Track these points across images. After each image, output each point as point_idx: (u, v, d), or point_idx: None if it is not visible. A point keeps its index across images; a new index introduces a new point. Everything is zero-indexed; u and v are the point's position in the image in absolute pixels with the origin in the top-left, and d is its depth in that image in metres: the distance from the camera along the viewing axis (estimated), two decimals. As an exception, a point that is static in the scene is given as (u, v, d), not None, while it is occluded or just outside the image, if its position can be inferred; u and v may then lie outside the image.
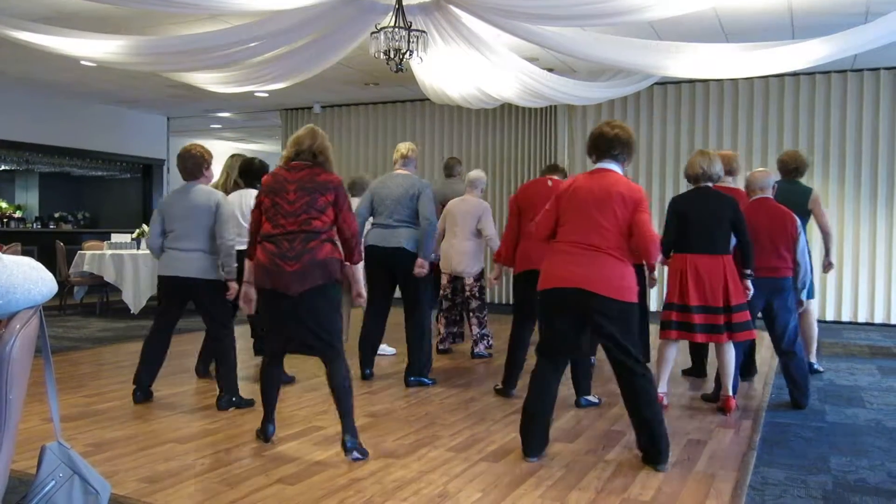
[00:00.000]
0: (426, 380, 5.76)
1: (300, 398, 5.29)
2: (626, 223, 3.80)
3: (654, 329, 5.51)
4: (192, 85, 8.35)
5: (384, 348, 6.73)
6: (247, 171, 6.03)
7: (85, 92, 11.82)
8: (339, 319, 4.15)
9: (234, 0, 5.59)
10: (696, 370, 6.18)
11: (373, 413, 4.89)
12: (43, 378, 2.22)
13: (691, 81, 10.18)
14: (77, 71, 9.89)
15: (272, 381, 4.23)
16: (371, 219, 5.87)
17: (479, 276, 6.77)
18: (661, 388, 4.99)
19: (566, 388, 5.63)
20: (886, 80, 9.38)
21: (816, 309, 9.69)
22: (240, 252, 5.08)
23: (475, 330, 6.85)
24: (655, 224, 5.71)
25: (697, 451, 4.13)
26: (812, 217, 6.19)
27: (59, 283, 1.97)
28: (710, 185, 4.97)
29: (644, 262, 6.02)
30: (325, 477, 3.63)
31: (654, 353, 5.64)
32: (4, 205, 13.08)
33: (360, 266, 4.28)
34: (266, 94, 11.35)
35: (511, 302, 6.17)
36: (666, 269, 5.12)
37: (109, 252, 9.33)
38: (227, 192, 5.90)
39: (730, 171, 5.70)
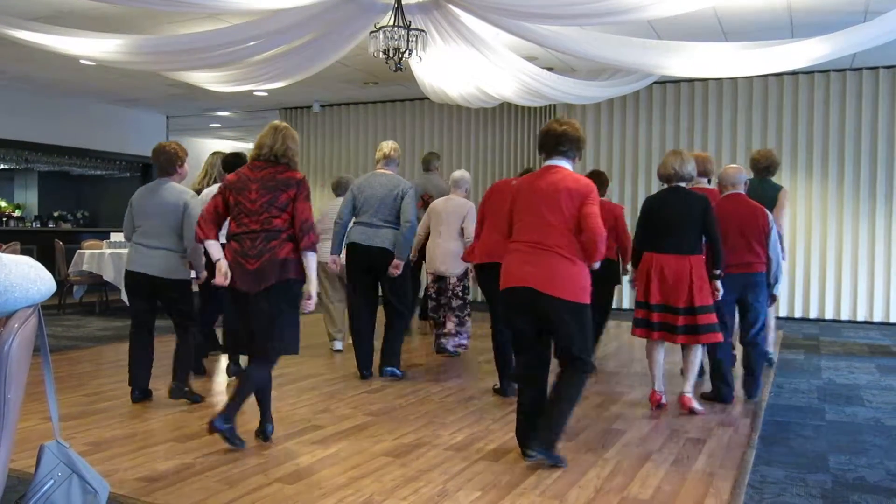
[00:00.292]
0: (398, 371, 5.92)
1: (299, 397, 5.29)
2: (575, 219, 3.76)
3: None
4: (192, 84, 8.35)
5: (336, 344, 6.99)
6: (233, 165, 5.92)
7: (84, 91, 11.81)
8: (292, 319, 4.14)
9: (234, -1, 5.60)
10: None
11: (372, 412, 4.89)
12: (41, 377, 2.22)
13: (690, 80, 10.18)
14: (76, 70, 9.89)
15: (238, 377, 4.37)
16: (353, 217, 5.91)
17: (463, 276, 6.72)
18: (658, 387, 5.01)
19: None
20: (885, 78, 9.38)
21: (816, 307, 9.78)
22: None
23: (450, 325, 6.87)
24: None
25: (696, 449, 4.13)
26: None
27: (58, 282, 1.97)
28: (683, 184, 4.95)
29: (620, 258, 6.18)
30: (324, 476, 3.63)
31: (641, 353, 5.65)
32: (4, 204, 13.09)
33: (314, 266, 4.18)
34: (265, 93, 11.34)
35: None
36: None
37: (108, 251, 9.33)
38: (204, 189, 6.02)
39: (704, 172, 5.74)
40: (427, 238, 6.83)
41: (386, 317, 5.97)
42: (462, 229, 6.57)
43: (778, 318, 9.70)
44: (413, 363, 6.55)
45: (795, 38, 7.24)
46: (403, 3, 5.96)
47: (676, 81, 10.24)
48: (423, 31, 6.10)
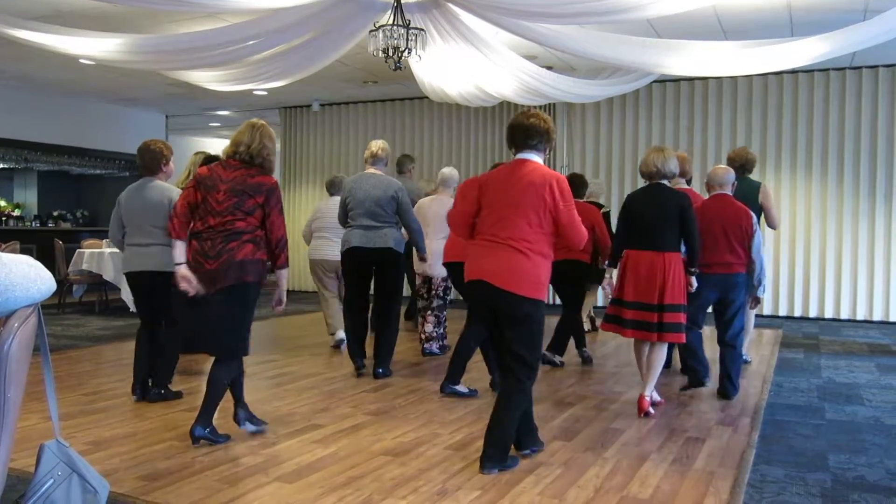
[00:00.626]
0: (389, 372, 5.94)
1: (299, 396, 5.29)
2: (542, 213, 3.68)
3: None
4: (191, 83, 8.34)
5: (338, 334, 7.02)
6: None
7: (84, 90, 11.80)
8: (247, 320, 4.14)
9: (233, -2, 5.60)
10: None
11: (372, 411, 4.89)
12: (41, 376, 2.22)
13: (690, 79, 10.17)
14: (76, 69, 9.88)
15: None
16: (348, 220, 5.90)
17: (448, 277, 6.71)
18: (647, 391, 4.90)
19: (566, 387, 5.65)
20: (885, 77, 9.38)
21: (816, 306, 9.79)
22: None
23: (428, 328, 6.90)
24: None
25: (696, 448, 4.13)
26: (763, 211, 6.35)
27: (57, 281, 1.97)
28: (664, 182, 4.94)
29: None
30: (323, 475, 3.63)
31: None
32: (3, 203, 13.08)
33: (285, 280, 4.24)
34: (265, 92, 11.34)
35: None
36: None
37: (108, 250, 9.32)
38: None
39: (682, 173, 5.75)
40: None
41: (378, 318, 5.95)
42: None
43: (777, 317, 9.73)
44: (412, 362, 6.55)
45: (795, 36, 7.24)
46: (403, 1, 5.96)
47: (676, 80, 10.24)
48: (422, 29, 6.10)
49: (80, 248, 9.85)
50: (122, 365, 6.24)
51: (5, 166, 13.03)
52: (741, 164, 6.39)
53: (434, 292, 6.76)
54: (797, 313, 9.83)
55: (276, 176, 15.22)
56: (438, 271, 6.55)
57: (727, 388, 5.29)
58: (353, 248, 5.80)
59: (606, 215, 7.62)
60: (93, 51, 6.65)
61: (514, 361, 3.73)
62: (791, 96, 9.83)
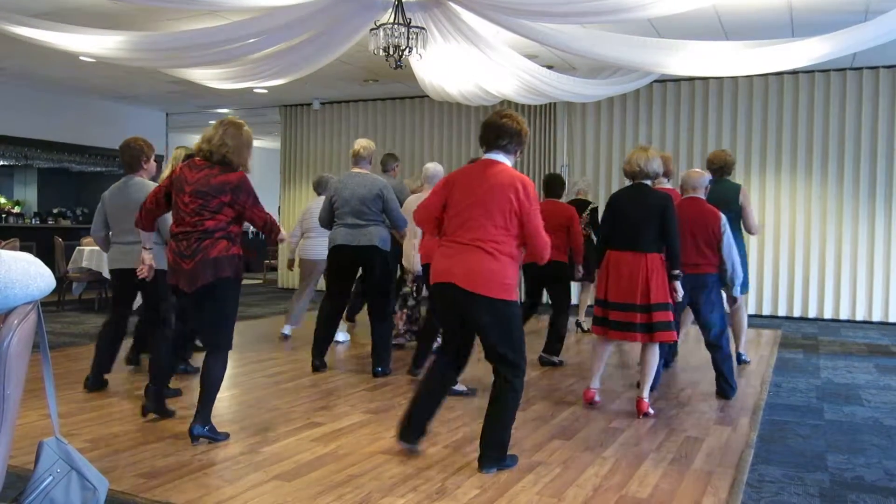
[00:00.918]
0: (389, 371, 5.96)
1: (298, 395, 5.29)
2: (509, 215, 3.64)
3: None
4: (192, 81, 8.34)
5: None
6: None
7: (84, 88, 11.80)
8: (231, 315, 4.21)
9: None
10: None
11: (371, 410, 4.89)
12: (41, 374, 2.22)
13: (691, 79, 10.17)
14: (76, 67, 9.88)
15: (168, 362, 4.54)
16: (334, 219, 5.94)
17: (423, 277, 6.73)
18: (594, 385, 5.02)
19: (565, 386, 5.65)
20: (885, 78, 9.38)
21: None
22: None
23: (400, 325, 6.98)
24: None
25: (695, 448, 4.14)
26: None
27: (57, 278, 1.97)
28: (647, 182, 4.94)
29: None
30: (322, 473, 3.63)
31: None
32: (3, 200, 13.08)
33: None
34: (265, 91, 11.34)
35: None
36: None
37: (108, 248, 9.31)
38: None
39: (666, 173, 5.79)
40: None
41: (371, 316, 5.97)
42: None
43: (776, 317, 9.73)
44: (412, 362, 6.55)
45: (796, 37, 7.24)
46: (403, 0, 5.96)
47: (677, 80, 10.24)
48: (423, 28, 6.10)
49: (79, 245, 9.85)
50: (121, 363, 6.23)
51: (5, 163, 13.04)
52: (720, 167, 6.43)
53: (416, 290, 6.82)
54: (796, 314, 9.83)
55: (276, 175, 15.15)
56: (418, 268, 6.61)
57: (724, 389, 5.32)
58: (337, 245, 5.84)
59: (594, 211, 7.71)
60: (93, 48, 6.65)
61: (498, 363, 3.72)
62: (791, 97, 9.83)
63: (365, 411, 4.84)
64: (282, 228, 4.39)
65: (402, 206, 6.26)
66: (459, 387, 5.30)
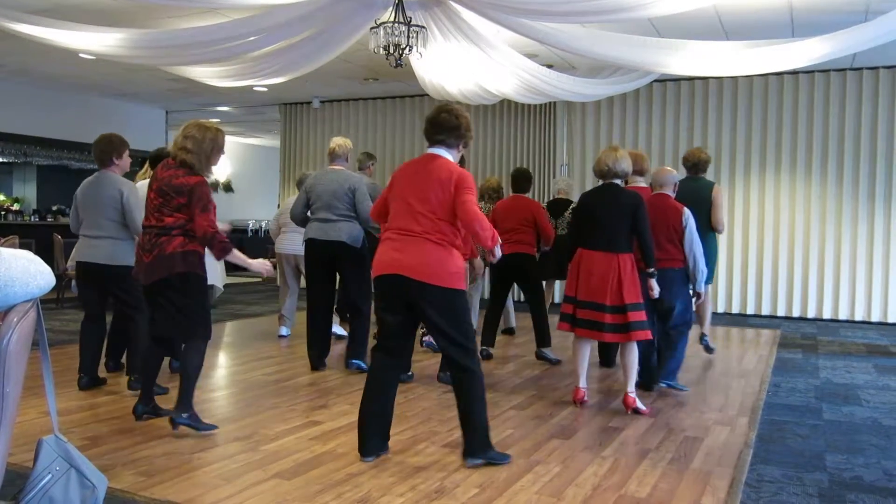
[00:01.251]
0: (363, 364, 5.90)
1: (297, 393, 5.29)
2: (448, 207, 3.67)
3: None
4: (192, 79, 8.33)
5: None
6: (155, 160, 5.91)
7: (83, 85, 11.79)
8: (193, 307, 4.24)
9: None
10: (604, 361, 6.40)
11: (370, 408, 4.88)
12: (40, 371, 2.22)
13: (691, 79, 10.17)
14: (76, 64, 9.87)
15: (151, 359, 4.50)
16: (309, 214, 6.02)
17: None
18: (581, 384, 5.04)
19: (564, 386, 5.65)
20: (885, 79, 9.38)
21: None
22: None
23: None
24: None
25: (694, 448, 4.14)
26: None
27: (56, 276, 1.96)
28: (617, 181, 4.97)
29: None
30: (322, 472, 3.63)
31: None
32: (2, 197, 13.06)
33: (240, 258, 4.33)
34: (265, 89, 11.34)
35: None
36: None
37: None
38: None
39: (639, 171, 5.81)
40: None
41: (348, 311, 6.01)
42: None
43: (776, 317, 9.74)
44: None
45: (796, 37, 7.24)
46: (404, -1, 5.96)
47: (676, 80, 10.24)
48: (423, 27, 6.10)
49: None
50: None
51: (4, 160, 13.02)
52: (693, 164, 6.56)
53: None
54: (795, 314, 9.84)
55: (276, 173, 15.16)
56: None
57: (646, 378, 5.37)
58: (309, 239, 5.95)
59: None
60: (93, 45, 6.64)
61: (449, 347, 3.74)
62: (791, 97, 9.83)
63: (364, 410, 4.83)
64: (241, 257, 4.33)
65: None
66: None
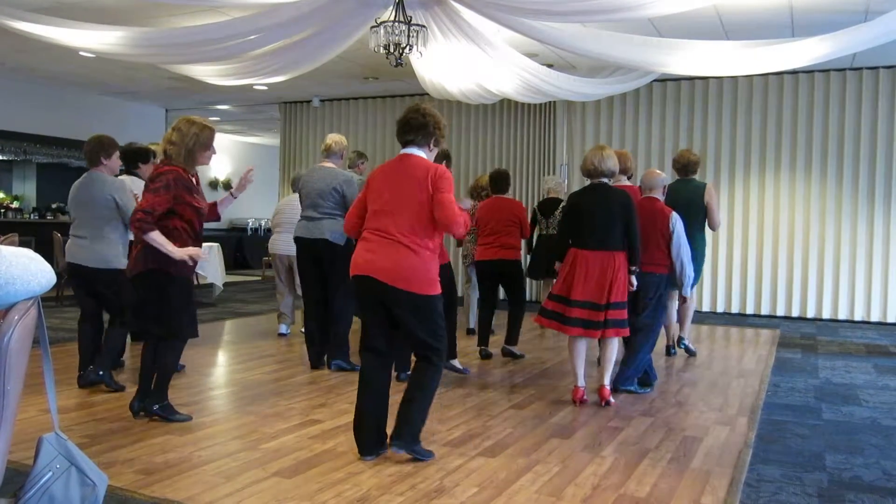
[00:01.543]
0: (346, 364, 5.90)
1: (297, 392, 5.30)
2: (425, 207, 3.68)
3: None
4: (192, 77, 8.33)
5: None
6: (124, 156, 5.82)
7: (84, 83, 11.79)
8: (167, 304, 4.28)
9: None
10: None
11: (370, 407, 4.88)
12: (41, 369, 2.22)
13: (691, 79, 10.18)
14: (76, 62, 9.87)
15: (146, 356, 4.52)
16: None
17: None
18: (580, 383, 5.05)
19: (563, 385, 5.65)
20: (885, 78, 9.38)
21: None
22: None
23: None
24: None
25: (693, 447, 4.14)
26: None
27: (56, 273, 1.96)
28: (605, 181, 4.98)
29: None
30: (321, 470, 3.64)
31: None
32: (2, 195, 13.07)
33: (161, 242, 4.19)
34: (265, 88, 11.33)
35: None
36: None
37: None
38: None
39: (624, 170, 5.83)
40: None
41: (328, 308, 6.01)
42: None
43: (775, 317, 9.74)
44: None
45: (796, 37, 7.24)
46: (404, -2, 5.96)
47: (676, 79, 10.24)
48: (423, 26, 6.09)
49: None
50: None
51: (4, 158, 13.02)
52: (683, 165, 6.57)
53: None
54: (795, 313, 9.84)
55: (276, 171, 15.14)
56: None
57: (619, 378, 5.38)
58: (296, 237, 6.00)
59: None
60: (93, 43, 6.64)
61: (421, 349, 3.79)
62: (791, 97, 9.84)
63: (364, 409, 4.83)
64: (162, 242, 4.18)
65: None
66: (456, 362, 5.33)
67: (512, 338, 6.64)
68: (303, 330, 6.51)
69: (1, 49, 9.29)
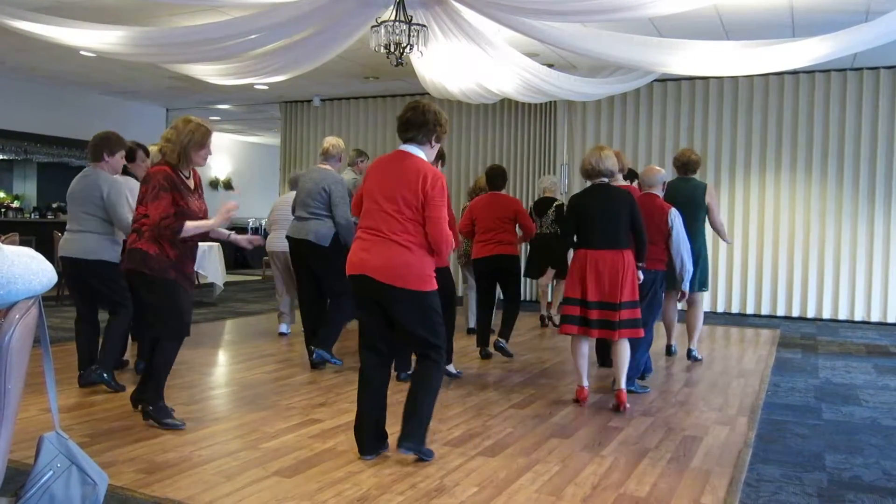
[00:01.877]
0: (332, 358, 5.87)
1: (297, 391, 5.30)
2: (415, 208, 3.66)
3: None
4: (193, 77, 8.33)
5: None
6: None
7: (84, 82, 11.79)
8: (156, 306, 4.26)
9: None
10: (602, 361, 6.31)
11: (370, 406, 4.88)
12: (41, 368, 2.22)
13: (691, 79, 10.17)
14: (77, 61, 9.87)
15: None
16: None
17: None
18: (584, 383, 5.05)
19: (563, 385, 5.65)
20: (886, 79, 9.38)
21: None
22: None
23: None
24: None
25: (693, 447, 4.14)
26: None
27: (56, 273, 1.95)
28: (605, 180, 4.98)
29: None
30: (321, 469, 3.64)
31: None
32: (2, 194, 13.06)
33: (202, 224, 4.31)
34: (266, 87, 11.33)
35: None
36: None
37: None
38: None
39: (620, 169, 5.82)
40: None
41: (324, 303, 6.10)
42: None
43: (775, 317, 9.74)
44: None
45: (796, 37, 7.24)
46: (405, -3, 5.96)
47: (677, 79, 10.24)
48: (424, 26, 6.09)
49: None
50: (120, 358, 6.24)
51: (5, 157, 13.02)
52: (683, 164, 6.56)
53: None
54: (795, 313, 9.84)
55: (276, 171, 15.12)
56: None
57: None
58: (287, 237, 6.10)
59: (560, 208, 7.86)
60: (94, 43, 6.65)
61: (420, 346, 3.77)
62: (792, 97, 9.84)
63: (364, 408, 4.83)
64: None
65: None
66: (451, 368, 5.29)
67: (505, 333, 6.57)
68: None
69: (1, 48, 9.29)
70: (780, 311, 9.90)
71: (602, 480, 3.58)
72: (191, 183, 4.35)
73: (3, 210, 12.59)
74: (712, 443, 4.23)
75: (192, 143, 4.24)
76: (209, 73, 7.99)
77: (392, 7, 5.96)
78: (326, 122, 13.04)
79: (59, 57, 9.62)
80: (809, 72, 9.55)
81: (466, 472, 3.64)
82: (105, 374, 5.02)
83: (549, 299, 8.68)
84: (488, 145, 11.76)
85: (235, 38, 6.44)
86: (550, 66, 8.30)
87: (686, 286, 5.56)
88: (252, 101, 13.35)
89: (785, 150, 9.85)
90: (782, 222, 9.88)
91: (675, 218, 5.40)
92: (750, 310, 10.08)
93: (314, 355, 5.91)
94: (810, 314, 9.77)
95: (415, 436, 3.70)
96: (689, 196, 6.30)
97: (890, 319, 9.39)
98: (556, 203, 7.93)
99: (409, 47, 5.98)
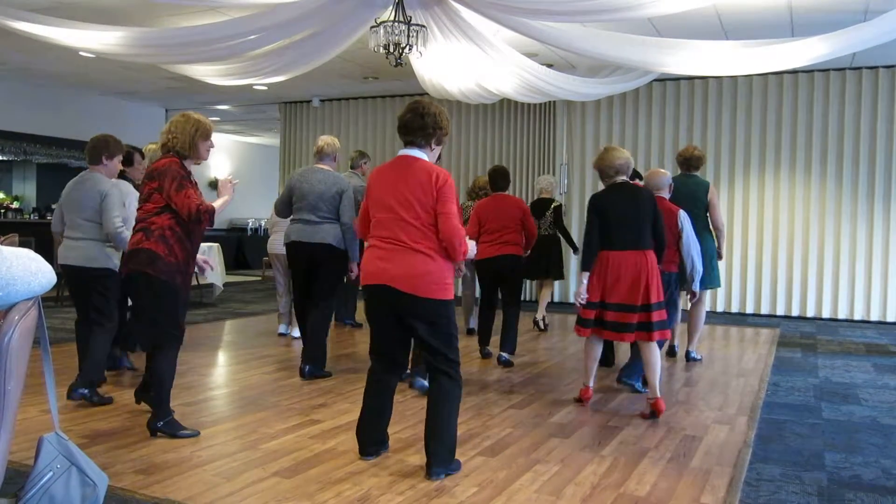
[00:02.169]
0: (320, 372, 5.75)
1: (298, 391, 5.30)
2: (429, 213, 3.58)
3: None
4: (192, 77, 8.33)
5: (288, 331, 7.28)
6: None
7: (83, 83, 11.79)
8: (156, 310, 4.13)
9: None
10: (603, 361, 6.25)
11: (370, 407, 4.88)
12: (41, 369, 2.22)
13: (690, 78, 10.18)
14: (76, 62, 9.87)
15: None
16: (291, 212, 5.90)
17: None
18: (590, 383, 5.05)
19: (563, 385, 5.65)
20: (885, 78, 9.39)
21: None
22: None
23: None
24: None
25: (693, 446, 4.14)
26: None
27: (56, 274, 1.95)
28: (623, 178, 4.91)
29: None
30: (321, 470, 3.64)
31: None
32: (2, 195, 13.07)
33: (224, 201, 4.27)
34: (265, 88, 11.34)
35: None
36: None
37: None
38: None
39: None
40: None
41: (313, 314, 5.80)
42: None
43: (775, 316, 9.74)
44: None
45: (796, 36, 7.25)
46: (404, -2, 5.96)
47: (676, 79, 10.24)
48: (423, 26, 6.10)
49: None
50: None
51: (4, 158, 13.03)
52: (686, 160, 6.55)
53: None
54: (795, 313, 9.85)
55: (276, 171, 15.11)
56: None
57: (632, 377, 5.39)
58: (292, 242, 5.78)
59: (558, 209, 7.84)
60: (93, 43, 6.64)
61: (436, 360, 3.64)
62: (791, 96, 9.84)
63: (364, 408, 4.83)
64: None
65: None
66: (423, 382, 5.17)
67: (509, 345, 6.39)
68: None
69: (1, 49, 9.29)
70: (780, 311, 9.91)
71: (602, 480, 3.58)
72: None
73: (2, 211, 12.60)
74: (712, 442, 4.24)
75: (200, 134, 4.17)
76: (208, 73, 7.99)
77: (391, 7, 5.96)
78: (326, 122, 13.04)
79: (58, 57, 9.62)
80: (808, 71, 9.55)
81: (466, 473, 3.64)
82: (86, 391, 4.79)
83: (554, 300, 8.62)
84: (487, 145, 11.76)
85: (235, 39, 6.43)
86: (550, 66, 8.30)
87: (696, 286, 5.56)
88: (251, 102, 13.36)
89: (784, 150, 9.86)
90: (782, 221, 9.89)
91: (685, 220, 5.38)
92: (749, 309, 10.08)
93: (305, 375, 5.69)
94: (810, 313, 9.77)
95: (443, 459, 3.58)
96: (691, 192, 6.28)
97: (889, 318, 9.39)
98: (555, 204, 7.93)
99: (408, 48, 5.98)
